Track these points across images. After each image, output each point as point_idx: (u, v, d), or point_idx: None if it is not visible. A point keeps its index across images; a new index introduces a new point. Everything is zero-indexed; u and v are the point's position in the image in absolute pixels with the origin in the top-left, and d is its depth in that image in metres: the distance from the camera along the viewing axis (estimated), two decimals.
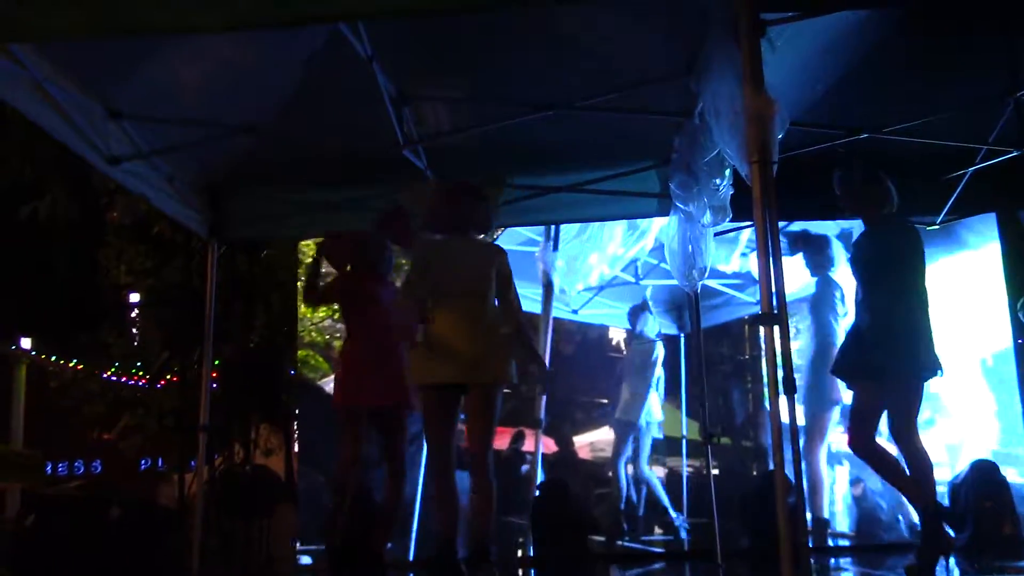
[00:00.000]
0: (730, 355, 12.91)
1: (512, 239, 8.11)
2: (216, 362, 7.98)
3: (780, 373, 2.98)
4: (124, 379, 12.03)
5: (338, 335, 19.43)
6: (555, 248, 7.51)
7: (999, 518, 5.75)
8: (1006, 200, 6.30)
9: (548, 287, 7.59)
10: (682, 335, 9.83)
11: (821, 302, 6.87)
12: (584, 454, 9.11)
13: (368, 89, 4.50)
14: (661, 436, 8.97)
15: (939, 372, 4.53)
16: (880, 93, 5.08)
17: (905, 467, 4.52)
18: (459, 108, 5.21)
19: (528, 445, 10.50)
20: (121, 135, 4.93)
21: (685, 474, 9.15)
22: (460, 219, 4.69)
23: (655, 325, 8.72)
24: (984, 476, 5.93)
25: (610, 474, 8.28)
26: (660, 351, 8.58)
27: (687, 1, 3.83)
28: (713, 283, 8.49)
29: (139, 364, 11.80)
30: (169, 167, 5.46)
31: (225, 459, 9.39)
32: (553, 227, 7.44)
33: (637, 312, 8.72)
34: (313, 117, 5.03)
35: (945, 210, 6.15)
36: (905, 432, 4.52)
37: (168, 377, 10.80)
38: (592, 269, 7.83)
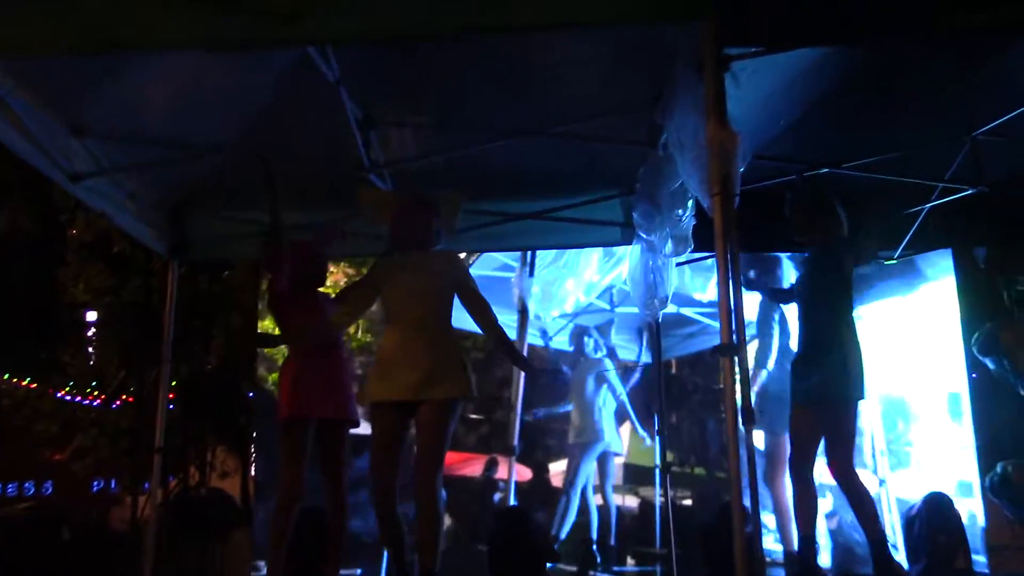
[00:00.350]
0: (704, 384, 12.89)
1: (487, 264, 8.09)
2: (174, 383, 7.88)
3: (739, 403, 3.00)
4: (79, 398, 11.85)
5: None
6: (531, 274, 7.50)
7: (952, 552, 5.80)
8: (962, 237, 6.41)
9: (523, 313, 7.57)
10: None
11: (762, 323, 6.91)
12: (558, 481, 9.06)
13: (335, 112, 4.50)
14: (621, 453, 8.91)
15: (864, 396, 4.60)
16: (841, 129, 5.17)
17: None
18: (425, 133, 5.22)
19: (502, 472, 10.42)
20: (84, 152, 4.90)
21: (658, 504, 9.14)
22: (414, 233, 4.57)
23: (598, 346, 8.66)
24: (938, 509, 5.97)
25: (563, 499, 8.15)
26: (610, 369, 8.52)
27: (654, 33, 3.87)
28: (688, 311, 8.52)
29: (95, 383, 11.64)
30: (131, 185, 5.42)
31: (180, 481, 9.28)
32: (529, 253, 7.42)
33: (580, 335, 8.68)
34: (279, 139, 5.02)
35: (902, 245, 6.25)
36: (842, 461, 4.58)
37: (124, 397, 10.66)
38: (568, 295, 7.84)
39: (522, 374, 7.36)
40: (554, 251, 7.45)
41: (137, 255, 9.45)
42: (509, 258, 7.92)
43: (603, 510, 8.28)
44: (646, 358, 8.80)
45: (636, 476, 11.08)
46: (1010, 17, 3.22)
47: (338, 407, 5.01)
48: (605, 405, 8.35)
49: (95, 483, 12.69)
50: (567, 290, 7.77)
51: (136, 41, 3.15)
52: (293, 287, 5.05)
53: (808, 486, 4.71)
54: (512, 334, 7.62)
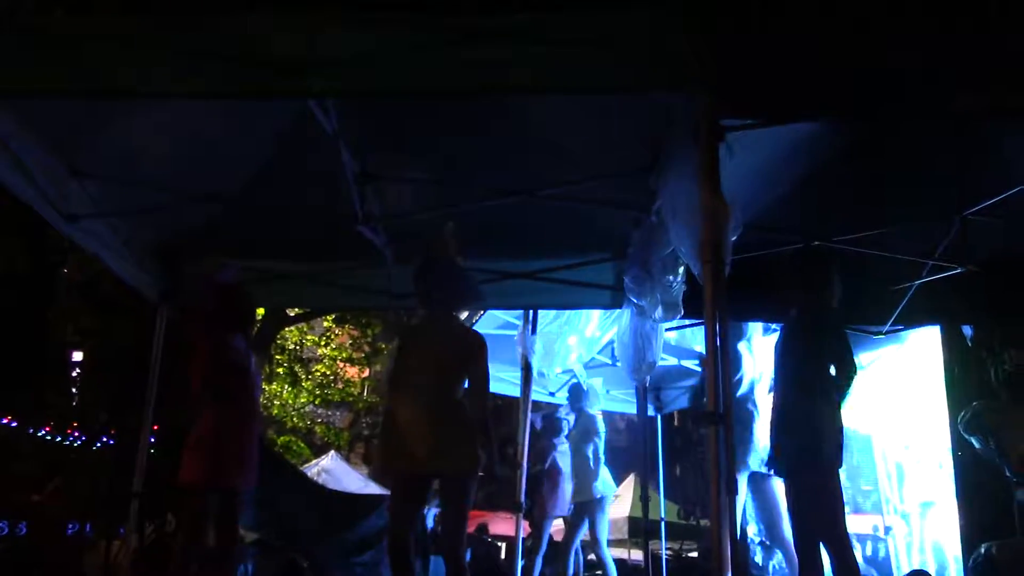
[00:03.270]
0: (706, 435, 12.89)
1: (491, 323, 8.16)
2: (156, 428, 7.82)
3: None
4: (60, 439, 11.74)
5: (320, 420, 19.36)
6: (533, 331, 7.53)
7: None
8: (950, 314, 6.45)
9: (527, 370, 7.59)
10: (659, 416, 9.82)
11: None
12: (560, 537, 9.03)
13: (332, 165, 4.54)
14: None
15: (842, 464, 4.53)
16: (833, 203, 5.22)
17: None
18: (421, 189, 5.26)
19: (502, 529, 10.23)
20: (81, 194, 4.90)
21: (664, 556, 9.08)
22: (437, 292, 4.65)
23: (595, 402, 8.66)
24: None
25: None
26: (600, 426, 8.52)
27: (652, 102, 3.93)
28: (689, 363, 8.54)
29: (76, 425, 11.55)
30: (126, 229, 5.43)
31: (156, 528, 9.14)
32: (531, 311, 7.47)
33: (577, 391, 8.67)
34: (277, 190, 5.05)
35: (891, 319, 6.28)
36: (831, 530, 4.48)
37: (105, 440, 10.57)
38: (570, 351, 7.85)
39: (528, 432, 7.42)
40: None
41: (128, 298, 9.43)
42: (512, 316, 7.98)
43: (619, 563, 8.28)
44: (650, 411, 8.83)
45: (638, 529, 11.09)
46: (1001, 101, 3.28)
47: (248, 472, 4.92)
48: (604, 460, 8.38)
49: (71, 526, 12.51)
50: (569, 346, 7.79)
51: (136, 88, 3.18)
52: (225, 342, 4.98)
53: (814, 562, 4.54)
54: (516, 391, 7.69)
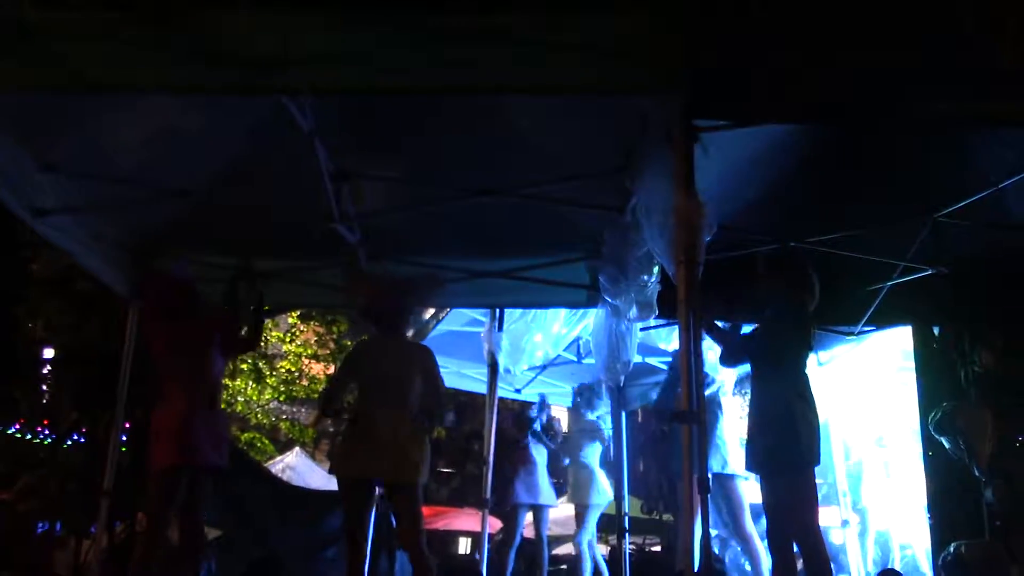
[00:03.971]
0: (672, 432, 12.93)
1: (457, 320, 8.15)
2: (127, 425, 7.75)
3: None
4: (29, 436, 11.62)
5: (284, 417, 19.27)
6: (500, 328, 7.54)
7: None
8: (921, 315, 6.50)
9: (493, 367, 7.59)
10: (623, 412, 9.85)
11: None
12: (528, 532, 8.99)
13: (307, 163, 4.51)
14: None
15: (818, 461, 4.55)
16: (806, 204, 5.25)
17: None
18: (396, 188, 5.24)
19: (469, 524, 10.18)
20: (50, 188, 4.84)
21: (628, 551, 9.10)
22: (391, 315, 4.93)
23: (604, 406, 8.68)
24: None
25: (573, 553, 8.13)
26: (606, 430, 8.56)
27: (626, 102, 3.93)
28: (654, 360, 8.56)
29: (46, 423, 11.43)
30: (97, 224, 5.37)
31: (127, 526, 9.06)
32: (498, 308, 7.48)
33: (586, 392, 8.68)
34: (250, 186, 5.01)
35: (863, 320, 6.33)
36: (804, 528, 4.50)
37: (76, 437, 10.46)
38: (537, 348, 7.86)
39: (494, 428, 7.45)
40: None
41: (98, 295, 9.33)
42: (478, 313, 7.99)
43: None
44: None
45: (604, 523, 11.17)
46: (971, 106, 3.32)
47: (220, 452, 4.94)
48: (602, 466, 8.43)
49: (40, 524, 12.36)
50: (536, 343, 7.80)
51: (107, 82, 3.16)
52: (184, 322, 5.00)
53: (786, 556, 4.59)
54: (483, 388, 7.68)
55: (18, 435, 11.69)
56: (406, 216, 5.35)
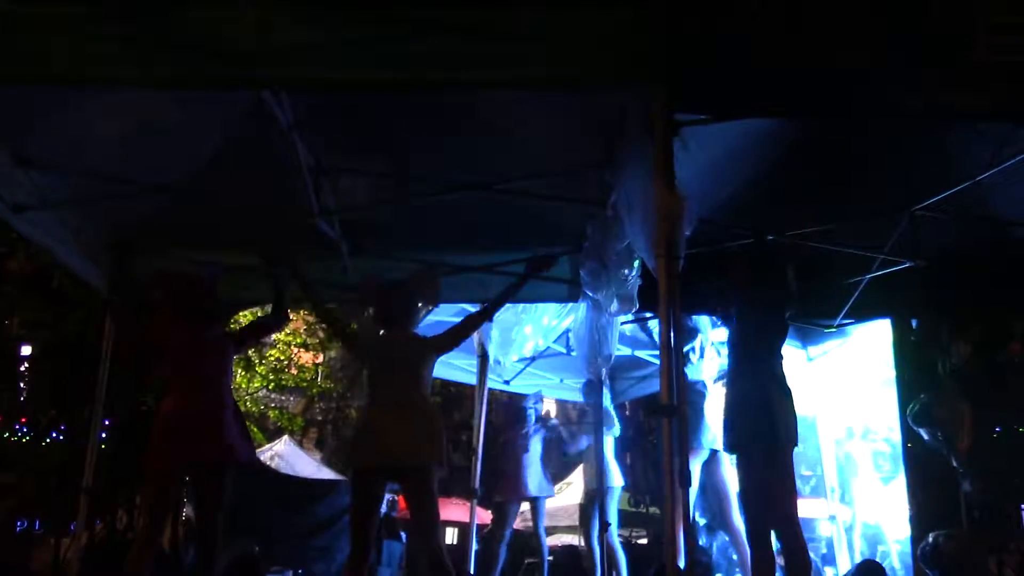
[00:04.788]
0: (659, 426, 12.92)
1: (446, 311, 8.10)
2: (106, 423, 7.70)
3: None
4: (7, 434, 11.52)
5: (273, 405, 19.20)
6: (490, 319, 7.54)
7: None
8: (900, 308, 6.55)
9: (483, 358, 7.59)
10: (613, 404, 9.85)
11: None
12: (518, 524, 9.00)
13: (286, 157, 4.49)
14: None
15: (796, 442, 4.54)
16: (786, 197, 5.27)
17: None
18: (377, 183, 5.23)
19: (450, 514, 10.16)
20: (27, 184, 4.80)
21: (613, 543, 9.12)
22: (394, 316, 4.78)
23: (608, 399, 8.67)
24: None
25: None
26: (615, 424, 8.54)
27: (606, 97, 3.94)
28: (642, 354, 8.57)
29: (24, 420, 11.33)
30: (76, 220, 5.33)
31: (107, 524, 9.01)
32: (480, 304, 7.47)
33: (594, 386, 8.66)
34: (229, 181, 4.98)
35: (842, 313, 6.37)
36: (782, 511, 4.48)
37: (54, 435, 10.39)
38: (527, 340, 7.87)
39: (483, 418, 7.44)
40: None
41: (77, 290, 9.26)
42: (468, 304, 7.97)
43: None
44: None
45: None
46: (946, 101, 3.34)
47: (220, 449, 4.75)
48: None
49: (19, 522, 12.27)
50: (525, 335, 7.81)
51: (81, 75, 3.13)
52: (190, 324, 4.84)
53: (765, 547, 4.54)
54: (472, 379, 7.64)
55: None
56: (386, 211, 5.33)
